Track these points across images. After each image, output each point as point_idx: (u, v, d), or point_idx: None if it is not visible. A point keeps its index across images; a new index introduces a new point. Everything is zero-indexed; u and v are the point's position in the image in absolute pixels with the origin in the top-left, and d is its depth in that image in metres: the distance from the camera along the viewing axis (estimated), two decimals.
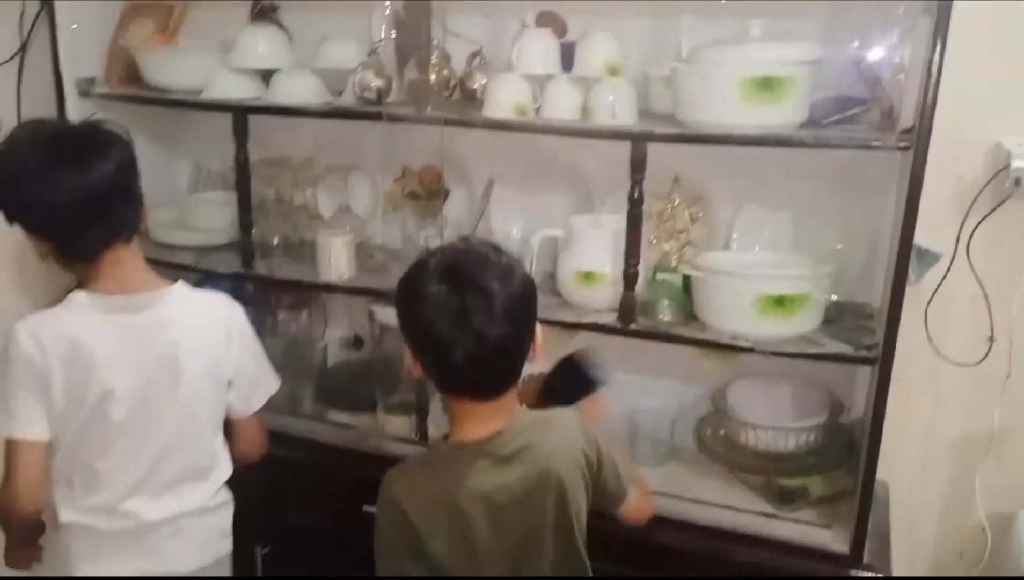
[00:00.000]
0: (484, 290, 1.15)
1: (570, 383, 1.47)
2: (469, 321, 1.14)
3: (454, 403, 1.24)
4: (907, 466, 1.77)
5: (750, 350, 1.54)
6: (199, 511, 1.45)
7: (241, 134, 1.84)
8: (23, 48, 1.96)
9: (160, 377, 1.36)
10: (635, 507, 1.38)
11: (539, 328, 1.25)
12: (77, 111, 1.96)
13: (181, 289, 1.43)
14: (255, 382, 1.52)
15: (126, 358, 1.34)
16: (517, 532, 1.24)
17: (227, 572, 1.56)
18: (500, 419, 1.23)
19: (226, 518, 1.52)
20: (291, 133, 2.03)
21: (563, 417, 1.31)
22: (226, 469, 1.50)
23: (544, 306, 1.68)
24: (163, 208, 2.13)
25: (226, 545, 1.53)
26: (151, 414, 1.36)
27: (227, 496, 1.52)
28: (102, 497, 1.37)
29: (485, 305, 1.14)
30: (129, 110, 1.99)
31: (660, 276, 1.72)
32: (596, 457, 1.29)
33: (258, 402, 1.53)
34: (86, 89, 1.97)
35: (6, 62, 1.93)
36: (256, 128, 1.87)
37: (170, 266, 2.02)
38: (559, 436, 1.26)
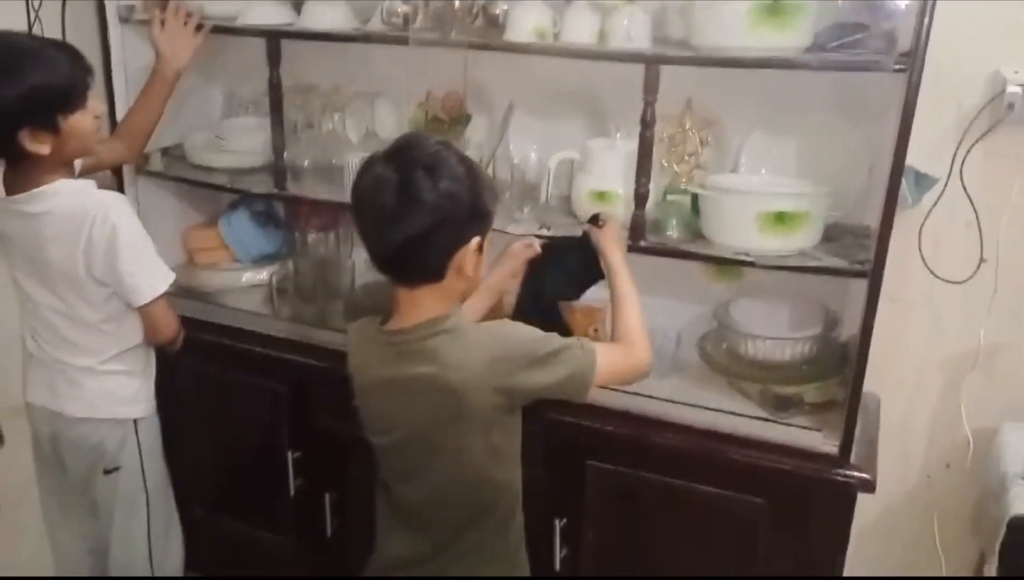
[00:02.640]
0: (410, 181, 1.25)
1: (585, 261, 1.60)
2: (393, 208, 1.25)
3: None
4: (899, 381, 1.88)
5: (751, 264, 1.64)
6: (87, 370, 1.71)
7: (274, 59, 1.95)
8: None
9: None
10: (608, 378, 1.41)
11: (476, 243, 1.32)
12: (118, 37, 2.08)
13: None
14: (128, 276, 1.64)
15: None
16: (403, 424, 1.37)
17: (123, 436, 1.77)
18: (420, 313, 1.33)
19: (119, 385, 1.75)
20: (320, 60, 2.13)
21: (485, 340, 1.34)
22: (111, 342, 1.71)
23: (559, 225, 1.81)
24: (198, 132, 2.25)
25: (126, 410, 1.77)
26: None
27: (122, 367, 1.74)
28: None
29: (411, 195, 1.25)
30: None
31: (670, 197, 1.81)
32: (513, 385, 1.33)
33: (140, 297, 1.66)
34: (127, 16, 2.07)
35: None
36: (287, 55, 1.97)
37: (207, 186, 2.17)
38: (465, 352, 1.31)
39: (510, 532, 1.46)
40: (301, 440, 2.09)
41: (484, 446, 1.36)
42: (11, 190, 1.60)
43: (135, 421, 1.78)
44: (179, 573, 1.95)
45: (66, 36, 2.08)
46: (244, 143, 2.16)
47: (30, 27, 2.01)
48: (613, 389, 1.78)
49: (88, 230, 1.59)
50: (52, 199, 1.59)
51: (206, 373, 2.10)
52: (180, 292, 2.05)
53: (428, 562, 1.44)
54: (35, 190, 1.58)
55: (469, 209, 1.29)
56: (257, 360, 2.07)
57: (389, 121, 2.12)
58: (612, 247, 1.58)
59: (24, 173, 1.59)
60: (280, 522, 2.18)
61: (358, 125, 2.11)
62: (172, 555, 1.92)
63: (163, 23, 1.92)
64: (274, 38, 1.92)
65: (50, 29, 2.04)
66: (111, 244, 1.59)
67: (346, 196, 1.93)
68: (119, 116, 2.06)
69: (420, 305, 1.33)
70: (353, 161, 1.93)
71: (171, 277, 1.70)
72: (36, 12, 2.01)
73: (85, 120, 1.56)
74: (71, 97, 1.53)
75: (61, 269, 1.63)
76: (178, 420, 1.96)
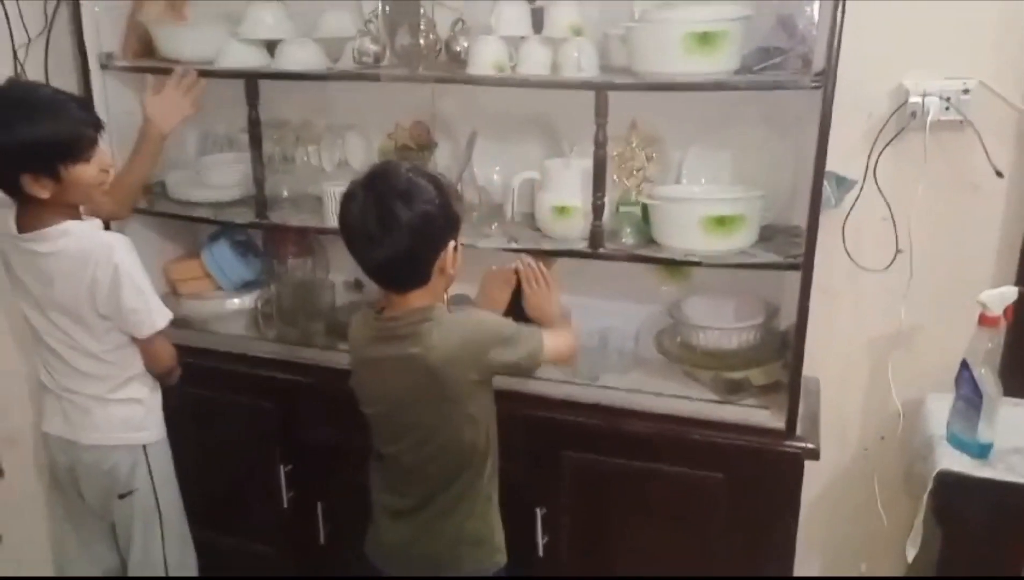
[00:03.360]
0: (388, 209, 1.44)
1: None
2: (377, 231, 1.45)
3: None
4: (833, 363, 2.09)
5: (698, 264, 1.84)
6: (96, 398, 1.83)
7: (253, 98, 2.09)
8: (49, 27, 2.17)
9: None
10: (553, 357, 1.67)
11: (452, 246, 1.53)
12: (99, 82, 2.21)
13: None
14: (131, 313, 1.76)
15: None
16: (400, 398, 1.57)
17: (134, 461, 1.88)
18: (409, 305, 1.54)
19: (129, 412, 1.86)
20: (291, 97, 2.27)
21: (464, 326, 1.56)
22: (118, 370, 1.83)
23: (526, 238, 1.99)
24: (177, 170, 2.38)
25: (136, 436, 1.88)
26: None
27: (129, 395, 1.86)
28: None
29: (389, 219, 1.44)
30: (141, 81, 2.23)
31: (623, 208, 2.00)
32: (490, 362, 1.55)
33: (141, 331, 1.80)
34: (107, 63, 2.20)
35: (34, 40, 2.14)
36: (261, 94, 2.10)
37: (191, 219, 2.30)
38: (452, 338, 1.52)
39: (483, 484, 1.64)
40: (291, 454, 2.22)
41: (460, 415, 1.57)
42: (22, 229, 1.72)
43: (145, 446, 1.89)
44: None
45: (49, 81, 2.20)
46: (223, 178, 2.30)
47: (15, 72, 2.11)
48: (582, 383, 1.98)
49: (92, 269, 1.71)
50: (59, 239, 1.71)
51: (198, 396, 2.18)
52: None
53: (415, 513, 1.63)
54: (43, 230, 1.70)
55: (443, 221, 1.50)
56: (245, 380, 2.20)
57: (360, 151, 2.28)
58: (532, 297, 1.81)
59: (33, 213, 1.71)
60: (274, 534, 2.30)
61: (331, 156, 2.27)
62: (187, 568, 2.02)
63: (158, 88, 2.04)
64: (252, 79, 2.08)
65: (33, 74, 2.14)
66: (114, 283, 1.71)
67: (324, 222, 2.13)
68: None
69: (410, 301, 1.54)
70: (331, 189, 2.09)
71: (169, 315, 1.83)
72: (21, 63, 2.12)
73: (88, 171, 1.68)
74: (74, 148, 1.66)
75: (66, 304, 1.74)
76: (173, 442, 2.03)
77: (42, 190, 1.66)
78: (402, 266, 1.51)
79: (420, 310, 1.53)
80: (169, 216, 2.29)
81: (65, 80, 2.21)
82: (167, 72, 2.08)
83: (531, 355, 1.60)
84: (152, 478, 1.90)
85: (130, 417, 1.87)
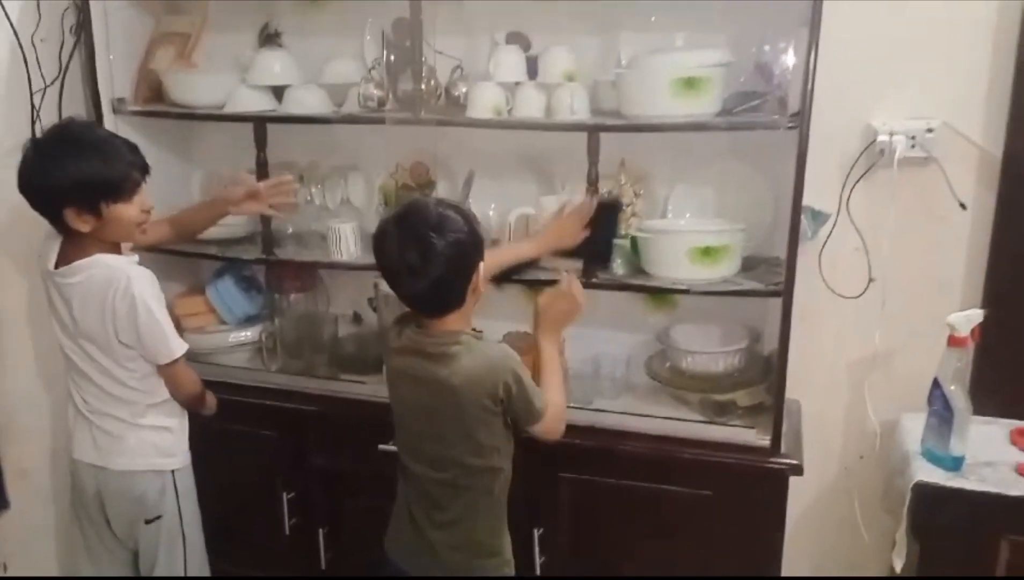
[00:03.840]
0: (422, 240, 1.54)
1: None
2: (416, 263, 1.54)
3: None
4: (814, 387, 2.21)
5: (686, 291, 1.96)
6: (126, 424, 1.90)
7: (261, 141, 2.21)
8: (63, 73, 2.28)
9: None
10: (546, 428, 1.70)
11: (481, 267, 1.63)
12: (111, 126, 2.30)
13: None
14: (149, 341, 1.84)
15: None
16: (422, 409, 1.67)
17: (162, 487, 1.94)
18: (439, 328, 1.64)
19: (157, 438, 1.93)
20: (295, 140, 2.38)
21: (493, 357, 1.63)
22: (145, 397, 1.90)
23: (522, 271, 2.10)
24: None
25: (164, 462, 1.94)
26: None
27: (157, 421, 1.92)
28: None
29: (425, 252, 1.54)
30: (149, 125, 2.35)
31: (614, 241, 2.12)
32: (507, 396, 1.61)
33: (159, 359, 1.87)
34: (119, 108, 2.31)
35: (50, 85, 2.25)
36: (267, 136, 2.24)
37: (200, 256, 2.39)
38: (477, 365, 1.61)
39: (493, 501, 1.72)
40: (294, 481, 2.29)
41: (473, 436, 1.64)
42: (64, 259, 1.82)
43: (173, 471, 1.95)
44: None
45: None
46: (230, 216, 2.39)
47: (32, 115, 2.21)
48: (577, 407, 2.08)
49: (112, 298, 1.79)
50: (86, 270, 1.79)
51: (202, 425, 2.25)
52: None
53: (432, 521, 1.71)
54: (75, 263, 1.79)
55: (472, 246, 1.60)
56: (249, 410, 2.27)
57: (362, 190, 2.39)
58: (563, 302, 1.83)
59: (74, 246, 1.81)
60: (276, 560, 2.36)
61: (334, 195, 2.38)
62: None
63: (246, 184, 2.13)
64: (261, 123, 2.19)
65: (47, 117, 2.23)
66: (131, 312, 1.79)
67: (329, 257, 2.23)
68: None
69: (446, 323, 1.64)
70: (336, 226, 2.20)
71: (185, 345, 1.90)
72: (37, 108, 2.22)
73: (129, 210, 1.78)
74: (119, 189, 1.76)
75: (93, 332, 1.83)
76: None
77: (83, 224, 1.76)
78: (441, 293, 1.60)
79: (452, 334, 1.63)
80: (177, 253, 2.38)
81: None
82: (181, 117, 2.19)
83: (534, 405, 1.65)
84: (179, 503, 1.95)
85: (159, 443, 1.93)
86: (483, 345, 1.66)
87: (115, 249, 1.85)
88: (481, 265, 1.63)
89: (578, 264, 2.02)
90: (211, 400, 2.05)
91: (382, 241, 1.59)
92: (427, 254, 1.54)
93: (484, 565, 1.73)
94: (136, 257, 1.89)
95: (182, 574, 1.99)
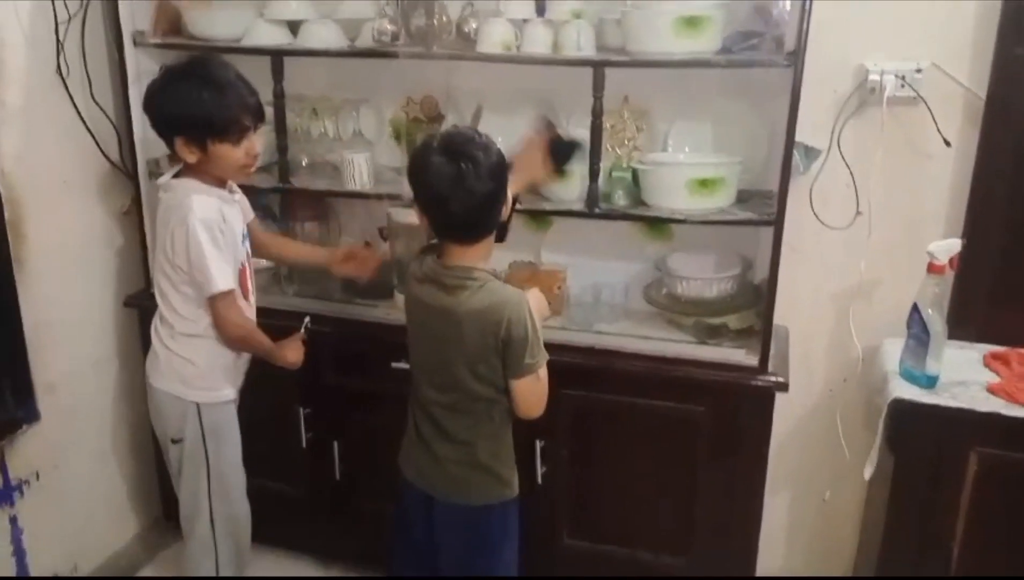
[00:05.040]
0: (472, 159, 1.64)
1: (558, 150, 2.00)
2: (463, 181, 1.63)
3: (443, 244, 1.76)
4: (802, 313, 2.34)
5: (683, 221, 2.08)
6: (162, 344, 2.02)
7: (278, 74, 2.29)
8: (85, 6, 2.35)
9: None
10: (524, 390, 1.76)
11: (510, 195, 1.73)
12: (132, 58, 2.39)
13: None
14: (196, 271, 1.92)
15: None
16: (432, 335, 1.78)
17: (184, 413, 2.02)
18: (464, 260, 1.73)
19: (182, 366, 2.01)
20: (310, 73, 2.45)
21: (503, 296, 1.71)
22: (183, 324, 1.99)
23: (529, 201, 2.21)
24: None
25: (185, 391, 2.01)
26: None
27: (185, 352, 2.00)
28: None
29: (473, 170, 1.64)
30: (168, 57, 2.37)
31: (615, 174, 2.22)
32: (507, 336, 1.69)
33: (204, 290, 1.93)
34: (140, 40, 2.38)
35: (73, 18, 2.32)
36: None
37: None
38: (484, 300, 1.70)
39: (493, 426, 1.83)
40: (310, 397, 2.43)
41: (470, 369, 1.75)
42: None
43: (197, 404, 2.01)
44: (242, 534, 2.18)
45: (86, 56, 2.39)
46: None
47: (57, 46, 2.29)
48: (578, 330, 2.21)
49: (173, 223, 1.90)
50: (171, 191, 1.93)
51: None
52: None
53: (438, 441, 1.83)
54: (170, 181, 1.95)
55: (502, 177, 1.70)
56: (268, 331, 2.38)
57: (373, 123, 2.49)
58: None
59: (183, 169, 1.95)
60: (294, 473, 2.51)
61: (346, 127, 2.47)
62: (234, 520, 2.14)
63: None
64: (278, 56, 2.28)
65: (71, 48, 2.32)
66: (184, 242, 1.88)
67: (343, 186, 2.33)
68: (135, 128, 2.39)
69: (468, 256, 1.74)
70: (348, 157, 2.30)
71: (231, 284, 1.94)
72: (61, 40, 2.30)
73: (234, 152, 1.88)
74: (225, 130, 1.85)
75: (159, 248, 1.96)
76: None
77: (189, 155, 1.88)
78: (482, 211, 1.69)
79: (469, 269, 1.72)
80: None
81: (99, 55, 2.41)
82: (201, 49, 2.28)
83: (524, 358, 1.72)
84: (203, 433, 2.03)
85: (182, 373, 2.00)
86: (497, 284, 1.75)
87: (220, 183, 1.96)
88: (510, 196, 1.73)
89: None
90: (279, 352, 2.06)
91: (424, 165, 1.67)
92: (478, 171, 1.63)
93: (485, 482, 1.84)
94: (229, 191, 1.99)
95: (205, 501, 2.07)
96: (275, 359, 2.07)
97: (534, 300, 1.82)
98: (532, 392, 1.78)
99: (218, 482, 2.08)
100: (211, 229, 1.89)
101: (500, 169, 1.69)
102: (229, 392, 2.07)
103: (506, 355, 1.72)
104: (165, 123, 1.89)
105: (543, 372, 1.78)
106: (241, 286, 2.01)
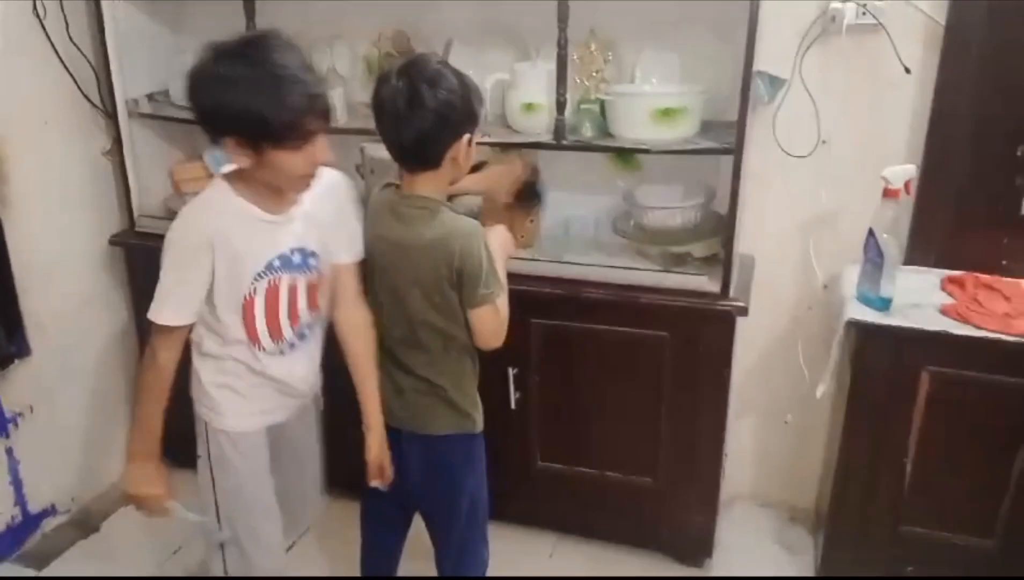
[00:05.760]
0: (429, 80, 1.64)
1: (528, 193, 2.12)
2: (418, 100, 1.64)
3: (402, 174, 1.78)
4: (766, 242, 2.39)
5: (646, 151, 2.13)
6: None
7: (251, 12, 2.33)
8: None
9: None
10: (480, 319, 1.76)
11: (467, 139, 1.70)
12: (110, 8, 2.41)
13: None
14: None
15: None
16: (387, 266, 1.79)
17: (197, 427, 1.79)
18: (416, 189, 1.73)
19: (196, 380, 1.77)
20: (283, 11, 2.48)
21: (453, 226, 1.70)
22: (194, 332, 1.72)
23: (499, 134, 2.25)
24: (178, 79, 2.59)
25: (199, 407, 1.77)
26: None
27: (198, 365, 1.76)
28: None
29: (429, 90, 1.63)
30: (150, 7, 2.45)
31: (583, 106, 2.26)
32: (460, 266, 1.69)
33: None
34: None
35: None
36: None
37: (190, 122, 2.52)
38: (436, 230, 1.70)
39: (450, 360, 1.83)
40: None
41: (427, 299, 1.77)
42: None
43: (206, 423, 1.75)
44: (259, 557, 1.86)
45: (63, 5, 2.41)
46: None
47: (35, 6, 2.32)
48: (548, 261, 2.27)
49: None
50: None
51: None
52: (170, 216, 2.38)
53: (404, 374, 1.86)
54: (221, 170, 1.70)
55: (461, 112, 1.69)
56: None
57: (347, 59, 2.52)
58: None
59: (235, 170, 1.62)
60: None
61: (320, 64, 2.50)
62: (243, 539, 1.83)
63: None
64: None
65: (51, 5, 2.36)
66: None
67: None
68: (113, 68, 2.43)
69: (419, 185, 1.75)
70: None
71: (168, 317, 1.62)
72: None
73: (292, 160, 1.53)
74: (278, 136, 1.50)
75: None
76: None
77: (241, 159, 1.54)
78: (421, 145, 1.67)
79: (423, 198, 1.73)
80: (174, 120, 2.52)
81: (78, 6, 2.44)
82: None
83: (479, 289, 1.71)
84: (209, 456, 1.77)
85: (193, 384, 1.77)
86: (450, 215, 1.73)
87: (273, 196, 1.62)
88: (467, 137, 1.71)
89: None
90: (134, 466, 1.72)
91: (381, 86, 1.69)
92: (415, 103, 1.64)
93: (445, 414, 1.85)
94: (283, 211, 1.65)
95: (213, 515, 1.81)
96: (127, 471, 1.73)
97: (499, 237, 1.85)
98: (488, 322, 1.77)
99: (225, 508, 1.81)
100: (182, 249, 1.60)
101: (446, 107, 1.65)
102: (240, 422, 1.75)
103: (461, 285, 1.73)
104: (209, 118, 1.53)
105: (501, 303, 1.78)
106: (254, 326, 1.68)
